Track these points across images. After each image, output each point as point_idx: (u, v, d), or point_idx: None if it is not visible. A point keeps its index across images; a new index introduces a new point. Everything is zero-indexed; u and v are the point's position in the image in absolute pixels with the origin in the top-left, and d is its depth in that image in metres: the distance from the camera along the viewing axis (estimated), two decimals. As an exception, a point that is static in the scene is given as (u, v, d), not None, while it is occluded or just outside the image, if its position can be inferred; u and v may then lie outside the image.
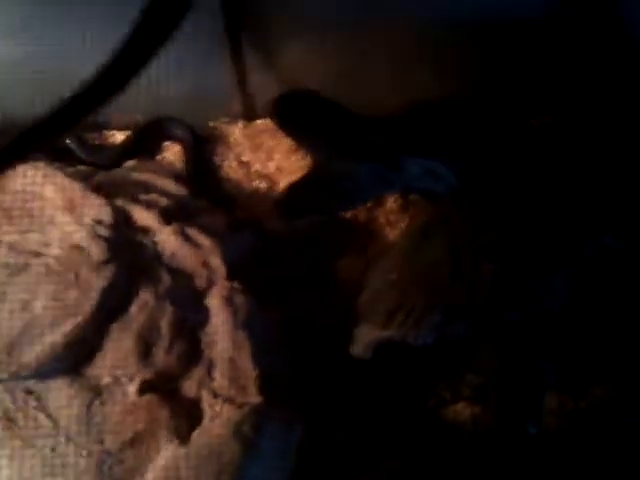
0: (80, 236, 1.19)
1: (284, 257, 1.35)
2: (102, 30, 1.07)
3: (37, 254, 1.16)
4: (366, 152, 1.07)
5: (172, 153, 1.55)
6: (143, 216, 1.25)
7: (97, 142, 1.53)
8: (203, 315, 1.19)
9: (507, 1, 1.28)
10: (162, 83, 1.47)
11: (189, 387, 1.12)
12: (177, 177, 1.42)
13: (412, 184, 1.12)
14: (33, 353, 1.07)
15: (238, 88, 1.55)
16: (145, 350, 1.12)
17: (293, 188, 1.13)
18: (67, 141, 1.46)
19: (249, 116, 1.59)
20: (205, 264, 1.22)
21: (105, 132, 1.56)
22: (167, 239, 1.23)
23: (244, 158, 1.57)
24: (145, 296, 1.15)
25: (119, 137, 1.55)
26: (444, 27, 1.31)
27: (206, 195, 1.44)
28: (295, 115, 1.08)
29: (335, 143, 1.07)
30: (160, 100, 1.52)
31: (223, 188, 1.50)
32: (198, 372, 1.13)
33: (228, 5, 1.41)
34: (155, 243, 1.23)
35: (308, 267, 1.37)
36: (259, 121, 1.60)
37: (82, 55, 1.13)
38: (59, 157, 1.44)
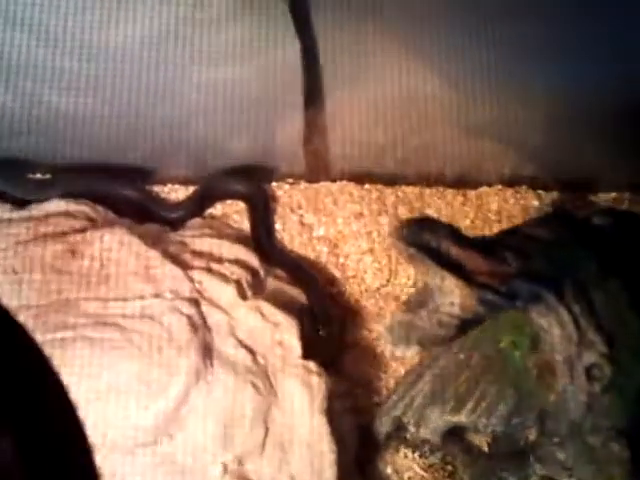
0: (161, 310, 1.19)
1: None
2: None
3: (120, 327, 1.15)
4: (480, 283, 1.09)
5: (235, 210, 1.53)
6: (219, 291, 1.27)
7: (162, 197, 1.49)
8: (279, 396, 1.18)
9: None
10: (227, 141, 1.48)
11: (266, 470, 1.12)
12: (244, 240, 1.41)
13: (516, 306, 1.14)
14: (119, 434, 1.07)
15: (303, 149, 1.54)
16: (226, 432, 1.11)
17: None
18: (137, 194, 1.43)
19: (311, 178, 1.59)
20: (280, 343, 1.23)
21: (169, 186, 1.54)
22: (244, 316, 1.25)
23: (306, 221, 1.57)
24: (226, 378, 1.15)
25: (182, 192, 1.53)
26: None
27: (272, 259, 1.44)
28: (419, 240, 1.09)
29: (453, 271, 1.08)
30: (224, 158, 1.52)
31: (286, 252, 1.47)
32: (275, 455, 1.13)
33: (305, 64, 1.41)
34: (232, 319, 1.23)
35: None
36: (321, 183, 1.59)
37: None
38: (128, 211, 1.44)
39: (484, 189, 1.62)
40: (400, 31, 1.48)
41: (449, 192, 1.62)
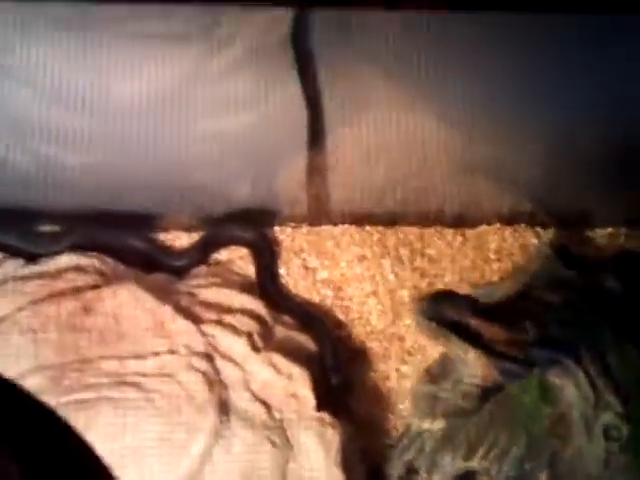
0: (177, 367, 1.25)
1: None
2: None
3: (140, 387, 1.21)
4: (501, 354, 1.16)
5: (239, 255, 1.59)
6: (231, 344, 1.33)
7: (167, 245, 1.55)
8: (295, 450, 1.24)
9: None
10: (230, 187, 1.56)
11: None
12: (250, 287, 1.47)
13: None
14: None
15: (305, 193, 1.61)
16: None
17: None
18: (143, 243, 1.49)
19: (314, 222, 1.65)
20: (294, 395, 1.29)
21: (173, 233, 1.59)
22: (257, 370, 1.31)
23: (310, 265, 1.63)
24: (244, 434, 1.21)
25: (186, 239, 1.59)
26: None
27: (279, 305, 1.51)
28: (439, 314, 1.16)
29: (474, 342, 1.15)
30: (226, 203, 1.59)
31: (293, 298, 1.53)
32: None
33: (308, 111, 1.48)
34: (245, 373, 1.29)
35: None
36: (323, 227, 1.65)
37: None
38: (135, 260, 1.50)
39: (483, 228, 1.68)
40: (399, 77, 1.55)
41: (449, 232, 1.68)
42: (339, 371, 1.41)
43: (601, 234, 1.75)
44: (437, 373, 1.26)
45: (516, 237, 1.71)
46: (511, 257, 1.69)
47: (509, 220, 1.71)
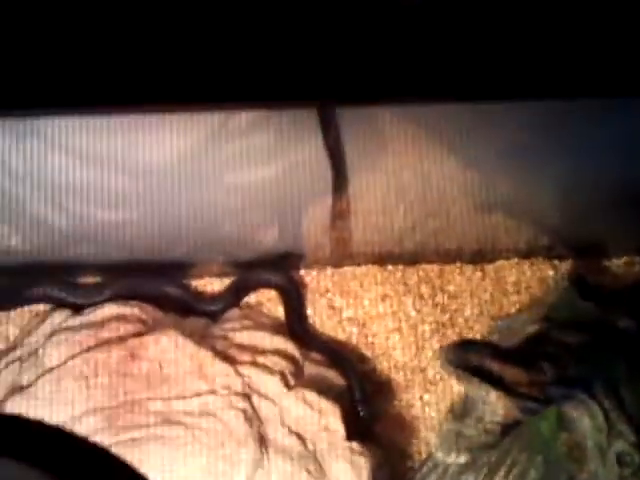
0: (218, 406, 1.44)
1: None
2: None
3: (184, 425, 1.40)
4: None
5: (267, 298, 1.78)
6: (266, 383, 1.51)
7: (201, 290, 1.75)
8: (328, 477, 1.43)
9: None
10: (257, 235, 1.76)
11: None
12: (280, 328, 1.67)
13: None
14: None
15: (329, 237, 1.79)
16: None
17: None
18: (178, 290, 1.69)
19: (337, 263, 1.82)
20: (326, 428, 1.47)
21: (205, 279, 1.79)
22: (290, 406, 1.48)
23: (335, 304, 1.79)
24: (282, 465, 1.40)
25: (217, 284, 1.78)
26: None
27: (307, 344, 1.69)
28: (462, 360, 1.35)
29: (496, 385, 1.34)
30: (254, 249, 1.78)
31: (320, 336, 1.72)
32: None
33: (331, 160, 1.66)
34: (280, 409, 1.47)
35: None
36: (347, 268, 1.81)
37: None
38: (171, 306, 1.69)
39: (501, 263, 1.82)
40: (418, 120, 1.69)
41: (468, 268, 1.82)
42: (367, 403, 1.60)
43: (617, 263, 1.88)
44: (460, 411, 1.44)
45: (534, 270, 1.84)
46: (529, 290, 1.83)
47: (526, 254, 1.84)
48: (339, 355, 1.69)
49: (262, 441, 1.44)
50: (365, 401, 1.61)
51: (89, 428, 1.36)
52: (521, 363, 1.41)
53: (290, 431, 1.48)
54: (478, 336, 1.76)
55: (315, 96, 1.31)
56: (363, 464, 1.43)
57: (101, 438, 1.36)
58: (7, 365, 1.49)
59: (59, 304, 1.63)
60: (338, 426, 1.49)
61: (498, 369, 1.39)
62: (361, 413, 1.58)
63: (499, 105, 1.57)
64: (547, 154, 1.69)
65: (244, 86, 1.22)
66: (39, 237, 1.64)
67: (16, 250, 1.66)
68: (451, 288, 1.83)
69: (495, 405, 1.36)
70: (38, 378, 1.44)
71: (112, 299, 1.62)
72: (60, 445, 0.69)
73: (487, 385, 1.37)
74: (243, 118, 1.63)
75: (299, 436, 1.48)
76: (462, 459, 1.38)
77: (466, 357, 1.40)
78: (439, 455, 1.46)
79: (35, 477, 0.64)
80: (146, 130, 1.62)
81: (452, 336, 1.77)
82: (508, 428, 1.38)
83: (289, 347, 1.61)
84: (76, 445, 0.69)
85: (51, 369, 1.45)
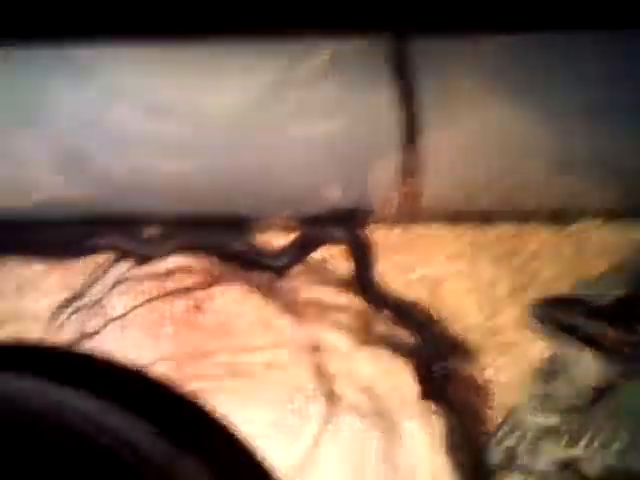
0: (286, 360, 1.48)
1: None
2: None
3: (252, 378, 1.44)
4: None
5: (332, 254, 1.81)
6: (335, 339, 1.54)
7: (266, 245, 1.79)
8: (401, 438, 1.46)
9: None
10: (324, 189, 1.77)
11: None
12: (348, 285, 1.71)
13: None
14: None
15: (397, 192, 1.80)
16: (356, 474, 1.40)
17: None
18: (244, 244, 1.74)
19: (406, 221, 1.83)
20: (398, 386, 1.50)
21: (270, 234, 1.82)
22: (360, 363, 1.52)
23: (403, 265, 1.81)
24: (352, 422, 1.43)
25: (283, 239, 1.82)
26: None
27: (377, 302, 1.72)
28: (552, 317, 1.37)
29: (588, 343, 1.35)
30: (321, 204, 1.80)
31: (391, 295, 1.75)
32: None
33: (402, 109, 1.67)
34: (350, 366, 1.51)
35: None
36: (417, 226, 1.83)
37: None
38: (236, 260, 1.73)
39: (583, 223, 1.81)
40: (496, 66, 1.69)
41: (547, 228, 1.82)
42: (440, 362, 1.62)
43: None
44: (549, 373, 1.45)
45: (618, 232, 1.82)
46: (613, 253, 1.81)
47: (611, 214, 1.81)
48: (410, 313, 1.71)
49: (332, 397, 1.47)
50: (439, 360, 1.60)
51: (159, 375, 1.39)
52: (612, 322, 1.40)
53: (360, 388, 1.50)
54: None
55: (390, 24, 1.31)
56: (436, 424, 1.46)
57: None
58: (73, 312, 1.52)
59: (123, 255, 1.68)
60: (410, 384, 1.52)
61: (590, 327, 1.39)
62: (434, 372, 1.58)
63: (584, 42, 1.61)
64: (632, 95, 1.67)
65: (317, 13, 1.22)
66: (102, 188, 1.69)
67: (80, 201, 1.71)
68: (528, 250, 1.83)
69: (587, 366, 1.36)
70: (104, 326, 1.47)
71: (177, 251, 1.64)
72: (136, 381, 0.71)
73: (578, 344, 1.37)
74: (310, 65, 1.65)
75: (370, 394, 1.51)
76: (552, 420, 1.40)
77: (557, 314, 1.40)
78: (527, 416, 1.47)
79: (113, 411, 0.64)
80: (209, 76, 1.66)
81: (529, 298, 1.76)
82: (601, 392, 1.38)
83: (357, 303, 1.65)
84: (152, 384, 0.71)
85: (116, 318, 1.48)
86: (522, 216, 1.83)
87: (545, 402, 1.40)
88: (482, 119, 1.71)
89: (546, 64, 1.69)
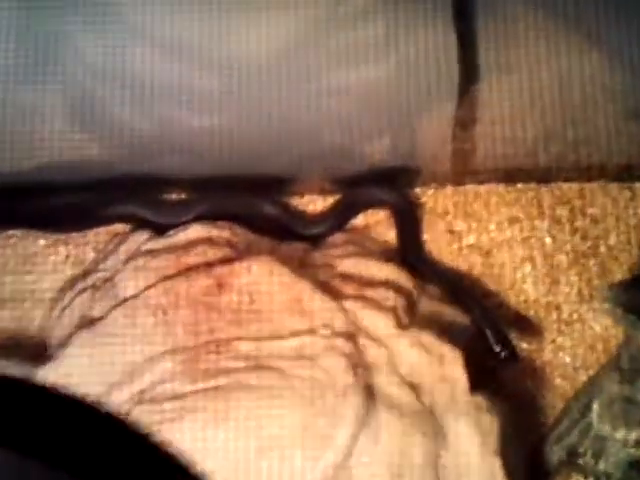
0: (318, 349, 1.24)
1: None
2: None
3: (279, 371, 1.20)
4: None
5: (377, 219, 1.56)
6: (375, 321, 1.30)
7: (302, 211, 1.53)
8: (447, 438, 1.20)
9: None
10: (367, 145, 1.50)
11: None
12: (392, 256, 1.47)
13: None
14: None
15: (449, 149, 1.54)
16: (395, 480, 1.14)
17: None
18: (276, 210, 1.49)
19: (458, 180, 1.59)
20: (445, 377, 1.26)
21: (306, 197, 1.58)
22: (404, 349, 1.28)
23: (455, 229, 1.57)
24: (391, 422, 1.18)
25: (320, 203, 1.57)
26: None
27: (424, 274, 1.47)
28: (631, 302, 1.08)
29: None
30: (363, 163, 1.53)
31: (438, 265, 1.51)
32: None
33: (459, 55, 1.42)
34: (391, 354, 1.26)
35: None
36: (469, 186, 1.59)
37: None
38: (268, 228, 1.48)
39: None
40: (557, 11, 1.46)
41: (614, 187, 1.59)
42: (506, 343, 1.38)
43: None
44: (631, 370, 1.17)
45: None
46: None
47: None
48: (461, 288, 1.47)
49: (369, 393, 1.24)
50: (504, 341, 1.39)
51: (165, 372, 1.19)
52: None
53: (403, 381, 1.27)
54: (625, 268, 1.52)
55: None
56: (489, 424, 1.23)
57: (180, 384, 1.16)
58: (79, 293, 1.29)
59: (140, 224, 1.44)
60: (460, 375, 1.28)
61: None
62: (502, 354, 1.36)
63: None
64: None
65: None
66: (119, 146, 1.45)
67: (94, 162, 1.46)
68: (593, 211, 1.59)
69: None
70: (111, 310, 1.26)
71: (199, 219, 1.41)
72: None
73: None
74: (352, 3, 1.38)
75: (413, 387, 1.27)
76: (633, 435, 1.11)
77: (636, 298, 1.11)
78: (603, 428, 1.20)
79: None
80: (239, 18, 1.40)
81: (594, 268, 1.54)
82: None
83: (402, 278, 1.40)
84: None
85: (126, 299, 1.27)
86: (586, 173, 1.59)
87: (628, 409, 1.10)
88: (542, 65, 1.47)
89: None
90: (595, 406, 1.25)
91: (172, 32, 1.36)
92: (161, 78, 1.38)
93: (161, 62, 1.38)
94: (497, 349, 1.37)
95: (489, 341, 1.38)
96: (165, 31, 1.36)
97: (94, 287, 1.31)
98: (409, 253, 1.51)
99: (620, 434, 1.18)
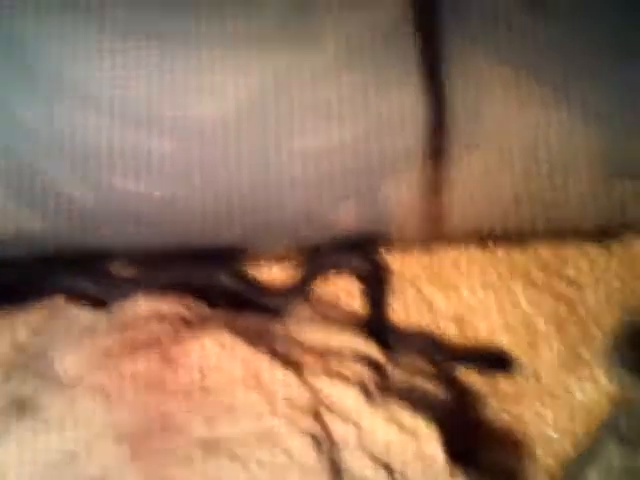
0: (278, 429, 1.11)
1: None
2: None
3: (235, 457, 1.06)
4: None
5: (343, 288, 1.48)
6: (342, 396, 1.18)
7: (262, 281, 1.43)
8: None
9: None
10: (331, 210, 1.41)
11: None
12: (360, 326, 1.36)
13: None
14: None
15: (418, 212, 1.44)
16: None
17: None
18: (233, 281, 1.40)
19: (428, 244, 1.50)
20: (421, 456, 1.14)
21: (264, 264, 1.48)
22: (374, 427, 1.16)
23: (426, 295, 1.48)
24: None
25: (278, 270, 1.48)
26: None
27: (394, 346, 1.36)
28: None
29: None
30: (323, 229, 1.44)
31: (410, 338, 1.41)
32: None
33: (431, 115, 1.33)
34: (361, 432, 1.15)
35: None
36: (440, 250, 1.50)
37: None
38: (221, 300, 1.37)
39: (632, 239, 1.52)
40: (528, 65, 1.39)
41: (590, 247, 1.51)
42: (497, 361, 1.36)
43: None
44: (634, 435, 1.04)
45: None
46: None
47: None
48: (436, 356, 1.37)
49: (336, 473, 1.11)
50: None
51: (109, 459, 1.03)
52: None
53: (373, 459, 1.14)
54: (607, 330, 1.43)
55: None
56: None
57: (123, 473, 1.00)
58: (10, 374, 1.13)
59: (82, 299, 1.31)
60: (437, 453, 1.16)
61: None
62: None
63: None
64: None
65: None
66: (58, 218, 1.34)
67: (35, 235, 1.36)
68: (571, 272, 1.50)
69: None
70: (46, 392, 1.11)
71: (148, 293, 1.30)
72: None
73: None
74: (314, 61, 1.31)
75: (385, 466, 1.14)
76: None
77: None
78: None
79: None
80: (190, 74, 1.31)
81: (574, 333, 1.44)
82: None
83: (372, 350, 1.28)
84: None
85: (63, 381, 1.13)
86: (562, 234, 1.51)
87: None
88: (514, 124, 1.39)
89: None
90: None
91: (113, 91, 1.24)
92: (101, 141, 1.28)
93: (103, 123, 1.28)
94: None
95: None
96: (105, 90, 1.25)
97: (27, 367, 1.15)
98: (378, 323, 1.41)
99: None
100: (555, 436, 1.35)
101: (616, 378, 1.16)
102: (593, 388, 1.38)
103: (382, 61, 1.31)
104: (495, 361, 1.37)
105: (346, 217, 1.41)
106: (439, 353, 1.36)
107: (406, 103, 1.31)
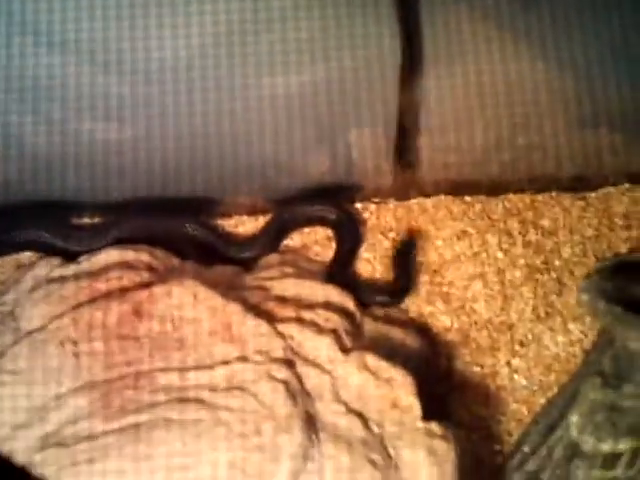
0: (251, 377, 1.10)
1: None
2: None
3: (206, 404, 1.05)
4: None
5: (314, 239, 1.46)
6: (315, 345, 1.17)
7: (231, 232, 1.41)
8: (400, 469, 1.07)
9: None
10: (301, 159, 1.38)
11: None
12: (333, 278, 1.34)
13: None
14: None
15: (392, 159, 1.43)
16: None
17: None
18: (202, 232, 1.37)
19: (402, 195, 1.48)
20: (395, 403, 1.14)
21: (235, 218, 1.46)
22: (348, 375, 1.15)
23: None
24: (337, 454, 1.05)
25: (251, 224, 1.45)
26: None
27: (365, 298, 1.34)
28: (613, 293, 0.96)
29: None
30: (299, 179, 1.42)
31: (381, 289, 1.39)
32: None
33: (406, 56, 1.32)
34: (334, 380, 1.14)
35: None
36: (414, 200, 1.48)
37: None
38: (192, 252, 1.35)
39: (607, 190, 1.51)
40: (505, 11, 1.38)
41: (566, 197, 1.50)
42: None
43: None
44: (614, 373, 1.04)
45: None
46: None
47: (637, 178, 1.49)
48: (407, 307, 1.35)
49: (311, 423, 1.10)
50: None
51: (78, 410, 1.02)
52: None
53: (348, 409, 1.13)
54: (579, 282, 1.39)
55: None
56: (445, 452, 1.11)
57: (94, 423, 0.99)
58: None
59: (49, 252, 1.29)
60: (412, 401, 1.15)
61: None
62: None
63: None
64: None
65: None
66: (21, 165, 1.30)
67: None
68: (546, 223, 1.49)
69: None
70: (13, 345, 1.09)
71: (116, 244, 1.28)
72: None
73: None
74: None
75: (360, 415, 1.13)
76: (624, 445, 0.98)
77: (624, 289, 0.98)
78: (585, 441, 1.07)
79: None
80: (155, 18, 1.28)
81: (548, 283, 1.43)
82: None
83: (344, 300, 1.27)
84: None
85: (30, 333, 1.11)
86: (537, 184, 1.50)
87: (613, 416, 0.96)
88: (490, 70, 1.38)
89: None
90: (574, 418, 1.11)
91: (79, 34, 1.23)
92: (66, 85, 1.25)
93: (66, 66, 1.25)
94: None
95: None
96: (70, 33, 1.22)
97: (-6, 320, 1.13)
98: (349, 275, 1.39)
99: (607, 446, 1.04)
100: (527, 385, 1.35)
101: (596, 312, 1.12)
102: (566, 339, 1.38)
103: (357, 0, 1.27)
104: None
105: (317, 165, 1.39)
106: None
107: (381, 47, 1.29)
